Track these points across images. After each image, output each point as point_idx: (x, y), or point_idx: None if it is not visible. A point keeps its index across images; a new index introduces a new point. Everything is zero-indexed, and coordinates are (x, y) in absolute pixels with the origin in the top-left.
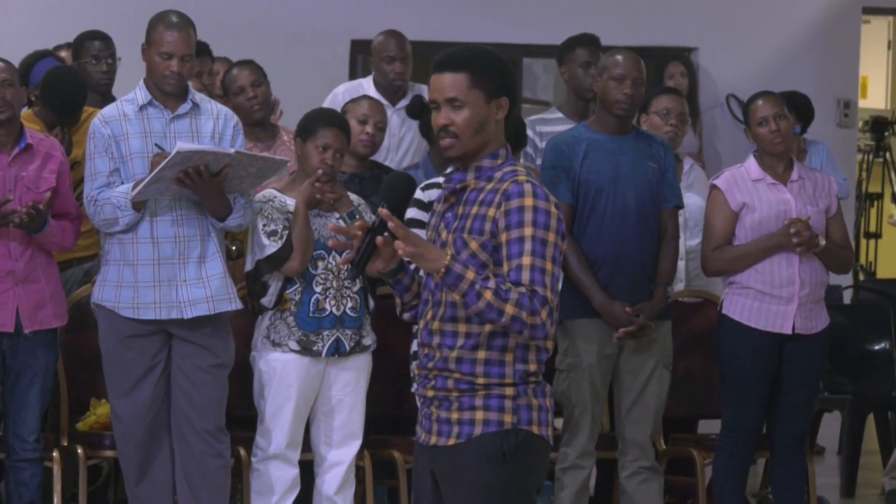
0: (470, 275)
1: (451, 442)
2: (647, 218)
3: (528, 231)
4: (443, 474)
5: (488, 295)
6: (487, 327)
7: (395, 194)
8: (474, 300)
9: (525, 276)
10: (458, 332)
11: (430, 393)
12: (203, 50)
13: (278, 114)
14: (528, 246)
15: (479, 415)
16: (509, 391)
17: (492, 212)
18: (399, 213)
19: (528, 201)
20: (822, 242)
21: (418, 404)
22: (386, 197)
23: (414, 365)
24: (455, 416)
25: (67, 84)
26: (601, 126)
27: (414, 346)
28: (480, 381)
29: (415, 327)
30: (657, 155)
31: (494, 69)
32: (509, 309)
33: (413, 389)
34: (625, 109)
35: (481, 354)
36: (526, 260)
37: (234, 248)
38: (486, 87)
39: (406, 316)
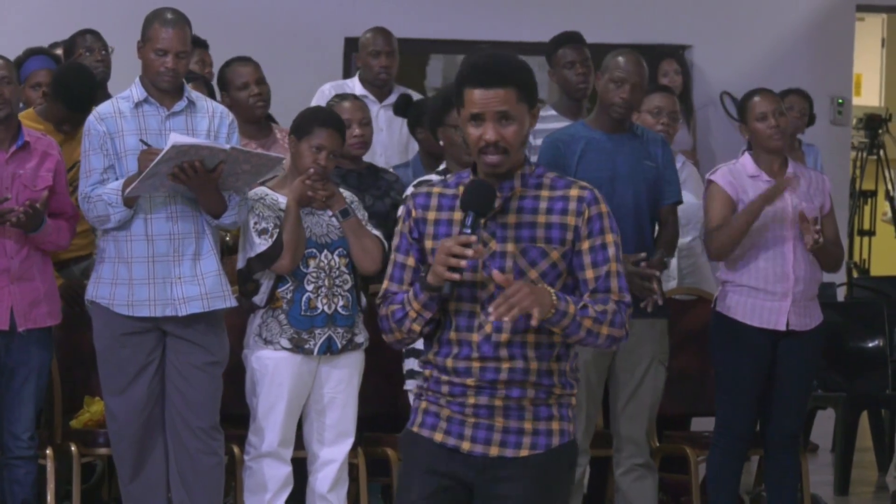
0: (571, 308)
1: (525, 453)
2: (644, 218)
3: (609, 237)
4: (502, 485)
5: (588, 323)
6: (556, 337)
7: (479, 202)
8: (576, 331)
9: (613, 284)
10: (527, 342)
11: (499, 402)
12: (203, 43)
13: None
14: (611, 252)
15: (556, 425)
16: (574, 400)
17: (571, 220)
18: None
19: (604, 208)
20: (821, 241)
21: (445, 409)
22: (471, 206)
23: (428, 370)
24: (529, 426)
25: (79, 79)
26: (599, 124)
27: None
28: (557, 391)
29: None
30: (654, 153)
31: (532, 80)
32: (604, 330)
33: (437, 399)
34: (621, 113)
35: (554, 365)
36: (613, 267)
37: (227, 238)
38: (529, 99)
39: (426, 330)
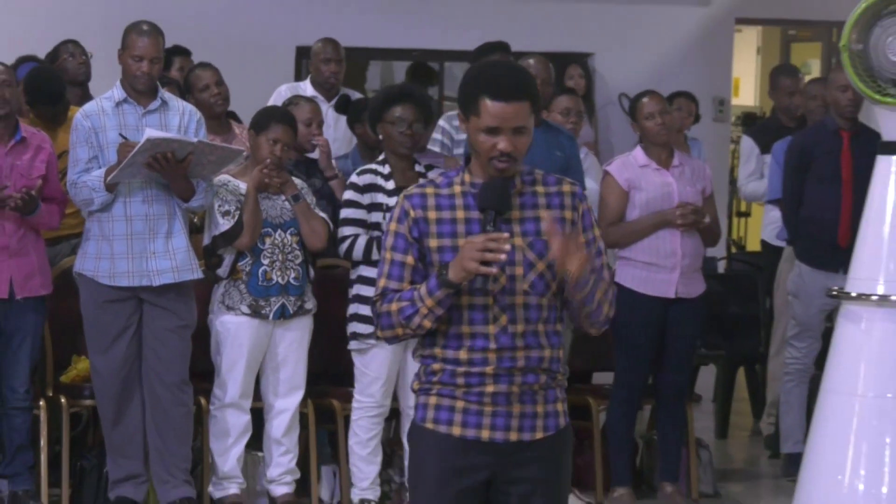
0: (591, 280)
1: (539, 435)
2: None
3: (597, 231)
4: (519, 469)
5: (599, 295)
6: (559, 325)
7: (498, 200)
8: (590, 301)
9: (606, 274)
10: (538, 331)
11: (516, 389)
12: (186, 52)
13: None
14: (602, 245)
15: (560, 406)
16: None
17: (569, 214)
18: (504, 212)
19: (589, 203)
20: (707, 221)
21: (460, 401)
22: (491, 205)
23: (437, 364)
24: (540, 409)
25: (47, 79)
26: None
27: (352, 310)
28: (560, 376)
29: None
30: (563, 145)
31: (538, 90)
32: (605, 307)
33: (451, 390)
34: None
35: (560, 352)
36: (605, 259)
37: (195, 219)
38: (537, 109)
39: (433, 327)
